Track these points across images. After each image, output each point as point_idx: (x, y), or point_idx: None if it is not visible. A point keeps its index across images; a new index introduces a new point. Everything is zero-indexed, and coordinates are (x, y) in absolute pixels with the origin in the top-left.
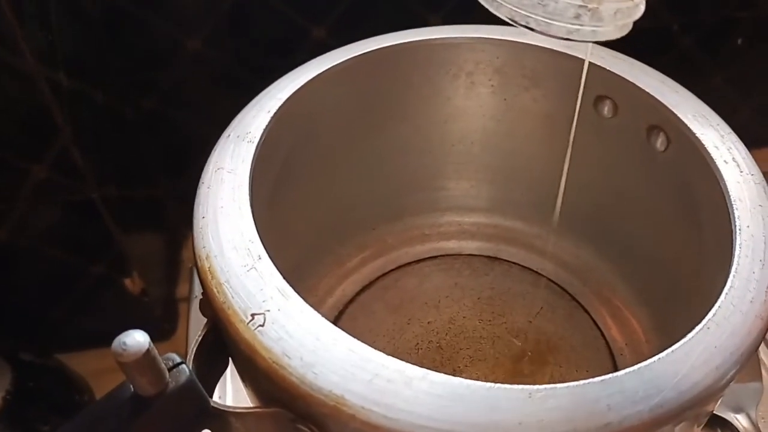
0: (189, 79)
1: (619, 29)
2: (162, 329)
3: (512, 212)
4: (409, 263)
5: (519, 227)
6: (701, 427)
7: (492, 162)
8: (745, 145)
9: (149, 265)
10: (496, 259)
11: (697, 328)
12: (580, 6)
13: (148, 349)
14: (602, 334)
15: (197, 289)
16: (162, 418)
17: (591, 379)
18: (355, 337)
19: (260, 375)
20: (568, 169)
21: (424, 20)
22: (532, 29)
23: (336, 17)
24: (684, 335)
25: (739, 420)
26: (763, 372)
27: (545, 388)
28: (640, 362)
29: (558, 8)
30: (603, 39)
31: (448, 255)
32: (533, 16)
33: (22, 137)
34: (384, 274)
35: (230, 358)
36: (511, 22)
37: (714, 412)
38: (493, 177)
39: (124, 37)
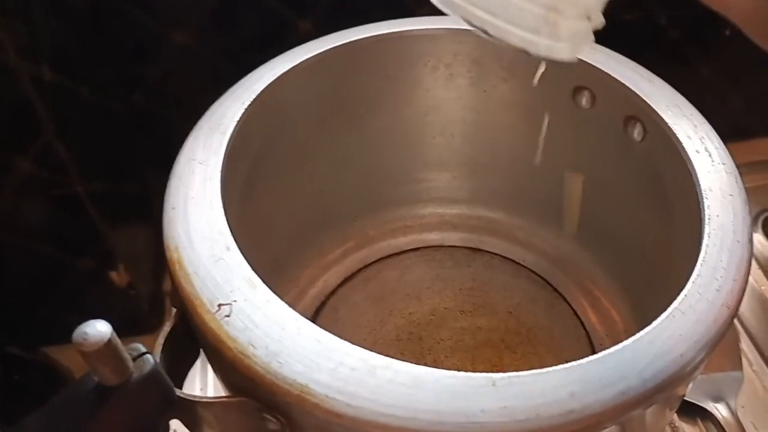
0: (175, 73)
1: (572, 50)
2: (150, 324)
3: (494, 203)
4: (391, 255)
5: (501, 218)
6: (673, 410)
7: (473, 153)
8: (735, 136)
9: (136, 259)
10: (477, 250)
11: (663, 315)
12: (542, 17)
13: (109, 339)
14: (582, 324)
15: None
16: (126, 407)
17: (554, 367)
18: (336, 328)
19: (227, 365)
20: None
21: (412, 13)
22: (487, 34)
23: (323, 10)
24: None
25: (719, 409)
26: (744, 362)
27: (508, 376)
28: None
29: (519, 15)
30: (557, 56)
31: (429, 246)
32: (491, 20)
33: (5, 131)
34: (366, 266)
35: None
36: (467, 24)
37: (694, 401)
38: (475, 168)
39: (108, 31)
